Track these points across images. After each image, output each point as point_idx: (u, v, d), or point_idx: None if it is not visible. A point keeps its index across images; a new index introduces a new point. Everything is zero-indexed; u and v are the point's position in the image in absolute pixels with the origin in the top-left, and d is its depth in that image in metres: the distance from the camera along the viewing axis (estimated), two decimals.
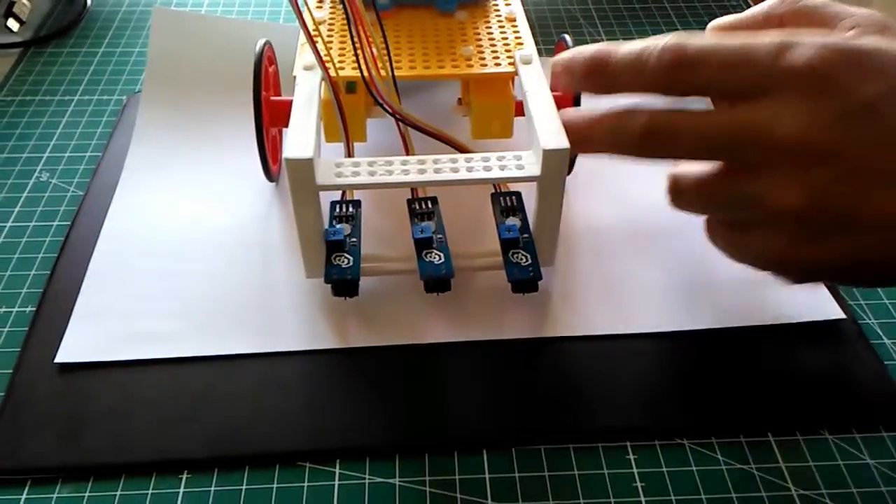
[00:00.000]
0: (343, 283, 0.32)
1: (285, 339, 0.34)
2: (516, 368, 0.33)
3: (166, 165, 0.43)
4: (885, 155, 0.27)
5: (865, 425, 0.31)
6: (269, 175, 0.40)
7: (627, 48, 0.30)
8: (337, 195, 0.35)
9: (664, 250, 0.38)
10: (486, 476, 0.30)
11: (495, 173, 0.31)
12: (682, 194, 0.31)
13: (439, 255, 0.32)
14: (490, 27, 0.40)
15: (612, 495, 0.29)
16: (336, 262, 0.32)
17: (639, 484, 0.29)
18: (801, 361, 0.33)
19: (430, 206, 0.34)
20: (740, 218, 0.31)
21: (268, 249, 0.38)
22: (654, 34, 0.30)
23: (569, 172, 0.39)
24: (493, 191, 0.35)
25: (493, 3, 0.42)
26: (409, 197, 0.35)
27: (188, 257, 0.38)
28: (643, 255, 0.38)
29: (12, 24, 0.55)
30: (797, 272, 0.30)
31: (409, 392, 0.32)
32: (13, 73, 0.52)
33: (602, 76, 0.31)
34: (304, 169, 0.30)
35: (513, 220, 0.33)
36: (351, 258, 0.32)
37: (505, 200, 0.34)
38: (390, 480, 0.30)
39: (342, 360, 0.33)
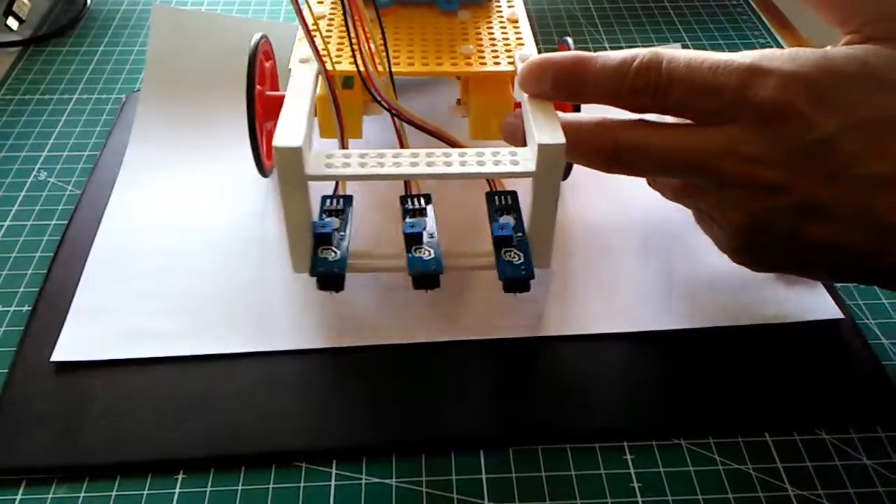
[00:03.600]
0: (328, 277, 0.31)
1: (283, 338, 0.34)
2: (513, 368, 0.33)
3: (164, 164, 0.43)
4: (829, 191, 0.28)
5: (862, 425, 0.31)
6: (262, 170, 0.40)
7: (602, 63, 0.30)
8: (329, 189, 0.35)
9: (660, 249, 0.38)
10: (483, 476, 0.30)
11: (489, 168, 0.30)
12: (658, 188, 0.34)
13: (429, 251, 0.31)
14: (491, 27, 0.40)
15: (609, 495, 0.29)
16: (323, 255, 0.31)
17: (636, 484, 0.29)
18: (798, 361, 0.33)
19: (422, 203, 0.34)
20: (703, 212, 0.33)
21: (266, 248, 0.38)
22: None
23: (565, 177, 0.39)
24: (489, 189, 0.35)
25: (496, 3, 0.42)
26: (403, 194, 0.35)
27: (186, 256, 0.38)
28: (639, 254, 0.38)
29: (12, 22, 0.55)
30: (752, 266, 0.32)
31: (406, 392, 0.32)
32: (12, 72, 0.52)
33: (574, 87, 0.31)
34: (292, 158, 0.29)
35: (506, 219, 0.33)
36: (338, 252, 0.31)
37: (500, 199, 0.34)
38: (387, 481, 0.29)
39: (340, 359, 0.33)
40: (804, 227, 0.29)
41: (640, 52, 0.29)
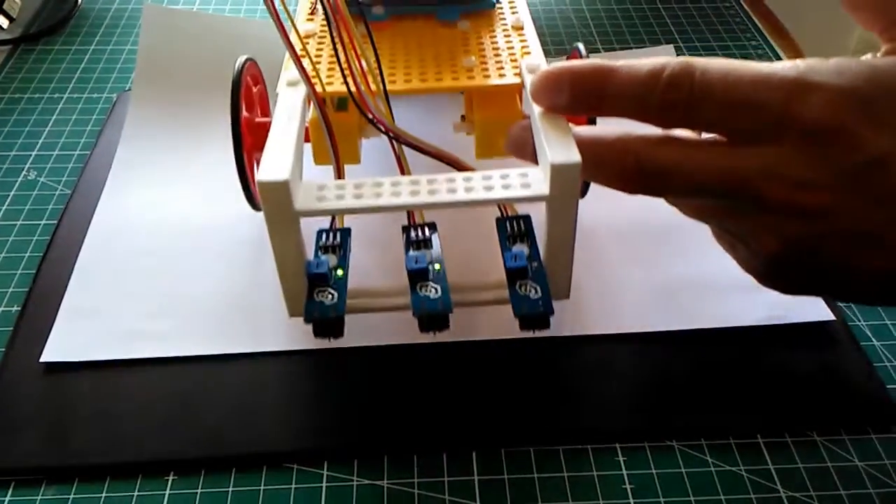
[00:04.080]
0: (325, 323, 0.28)
1: (273, 339, 0.34)
2: (505, 369, 0.33)
3: (155, 164, 0.43)
4: (877, 215, 0.26)
5: (854, 427, 0.31)
6: (253, 203, 0.37)
7: (627, 73, 0.27)
8: (325, 223, 0.32)
9: (654, 251, 0.38)
10: (475, 478, 0.30)
11: (497, 193, 0.27)
12: (676, 204, 0.31)
13: (435, 289, 0.28)
14: (495, 36, 0.37)
15: (601, 497, 0.29)
16: (318, 298, 0.28)
17: (628, 486, 0.29)
18: (790, 363, 0.33)
19: (427, 233, 0.31)
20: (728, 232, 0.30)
21: (256, 248, 0.38)
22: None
23: (583, 195, 0.37)
24: (499, 215, 0.32)
25: (499, 11, 0.39)
26: (405, 223, 0.32)
27: (176, 257, 0.37)
28: (633, 256, 0.38)
29: (2, 20, 0.55)
30: (782, 290, 0.30)
31: (398, 393, 0.32)
32: (2, 71, 0.52)
33: (595, 99, 0.28)
34: (279, 193, 0.26)
35: (520, 247, 0.30)
36: (335, 294, 0.28)
37: (512, 226, 0.31)
38: (378, 482, 0.29)
39: (331, 360, 0.33)
40: (850, 255, 0.27)
41: (670, 62, 0.27)
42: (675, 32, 0.57)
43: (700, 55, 0.54)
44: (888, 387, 0.32)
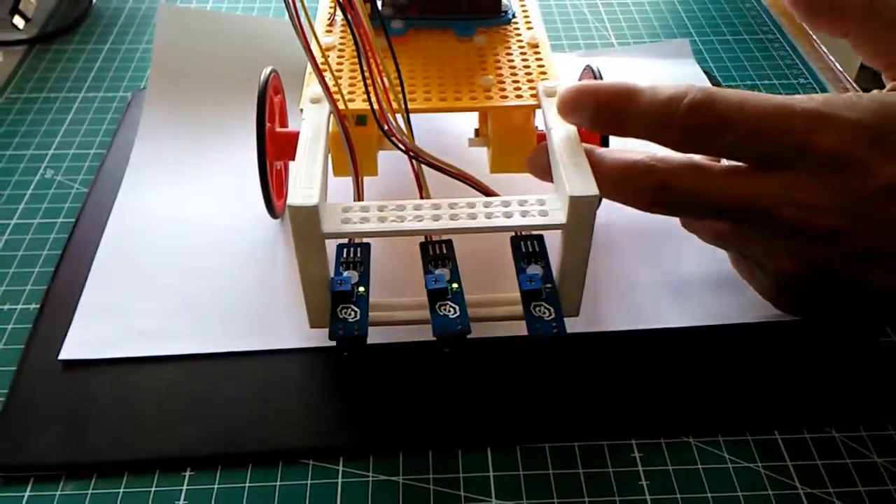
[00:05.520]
0: (349, 340, 0.29)
1: (289, 336, 0.34)
2: (520, 365, 0.33)
3: (171, 163, 0.43)
4: (885, 238, 0.28)
5: (873, 423, 0.31)
6: (273, 212, 0.38)
7: (651, 97, 0.28)
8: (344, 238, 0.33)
9: (666, 246, 0.38)
10: (491, 474, 0.30)
11: (516, 220, 0.29)
12: (695, 231, 0.33)
13: (454, 308, 0.29)
14: (511, 54, 0.37)
15: (617, 493, 0.29)
16: (342, 315, 0.29)
17: (644, 482, 0.29)
18: (808, 358, 0.33)
19: (444, 250, 0.32)
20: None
21: (271, 247, 0.38)
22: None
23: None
24: (513, 234, 0.32)
25: (515, 27, 0.39)
26: (423, 240, 0.32)
27: (192, 255, 0.38)
28: (646, 252, 0.38)
29: (18, 21, 0.55)
30: (795, 312, 0.33)
31: (413, 389, 0.32)
32: (18, 70, 0.52)
33: (617, 120, 0.29)
34: (308, 217, 0.28)
35: (534, 269, 0.31)
36: (358, 310, 0.29)
37: (526, 245, 0.32)
38: (394, 478, 0.29)
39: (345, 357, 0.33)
40: (860, 274, 0.29)
41: (692, 89, 0.28)
42: (689, 25, 0.57)
43: (715, 48, 0.54)
44: None
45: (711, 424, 0.31)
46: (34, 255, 0.38)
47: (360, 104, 0.34)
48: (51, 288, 0.36)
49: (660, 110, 0.28)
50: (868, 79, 0.37)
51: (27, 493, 0.29)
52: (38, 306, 0.35)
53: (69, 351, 0.33)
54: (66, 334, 0.34)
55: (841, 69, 0.52)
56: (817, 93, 0.36)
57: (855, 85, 0.51)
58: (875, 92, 0.30)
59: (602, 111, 0.30)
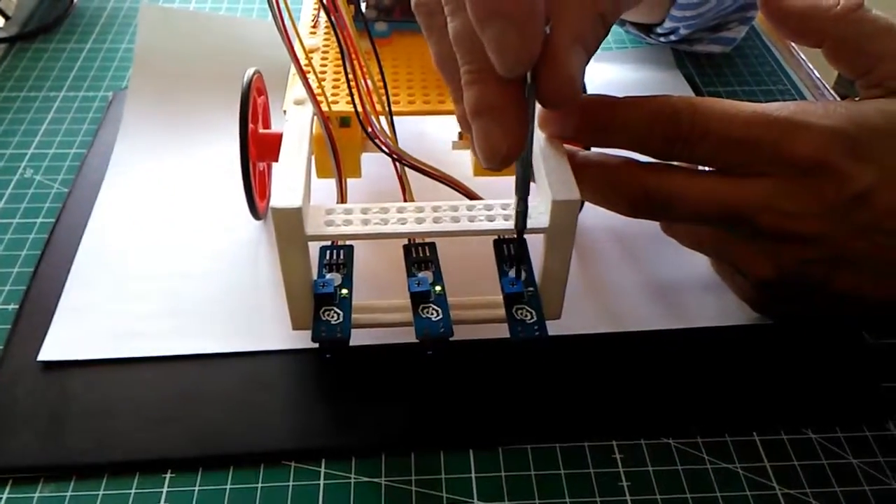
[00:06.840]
0: (331, 343, 0.29)
1: (270, 337, 0.34)
2: (501, 367, 0.33)
3: (152, 163, 0.43)
4: (861, 243, 0.29)
5: (849, 425, 0.31)
6: (256, 213, 0.37)
7: (631, 108, 0.29)
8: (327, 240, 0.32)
9: (648, 250, 0.38)
10: (473, 475, 0.30)
11: (499, 224, 0.29)
12: (675, 235, 0.34)
13: (437, 311, 0.30)
14: None
15: (598, 494, 0.29)
16: (325, 317, 0.29)
17: (624, 483, 0.29)
18: (785, 360, 0.33)
19: (427, 252, 0.32)
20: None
21: (254, 247, 0.38)
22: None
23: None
24: (496, 237, 0.32)
25: None
26: (406, 243, 0.32)
27: (173, 255, 0.37)
28: (627, 255, 0.38)
29: None
30: (772, 313, 0.34)
31: (395, 391, 0.32)
32: None
33: (600, 132, 0.30)
34: (291, 219, 0.28)
35: (516, 272, 0.31)
36: (341, 313, 0.30)
37: (508, 248, 0.31)
38: (376, 480, 0.29)
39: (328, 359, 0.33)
40: (833, 278, 0.30)
41: (671, 99, 0.29)
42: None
43: (696, 55, 0.54)
44: (882, 384, 0.33)
45: (690, 426, 0.31)
46: (13, 255, 0.38)
47: (343, 106, 0.34)
48: (30, 288, 0.36)
49: (640, 120, 0.29)
50: (846, 86, 0.37)
51: (5, 495, 0.29)
52: (17, 307, 0.35)
53: (48, 352, 0.33)
54: (45, 335, 0.33)
55: (819, 76, 0.53)
56: (796, 100, 0.36)
57: (833, 92, 0.52)
58: (849, 100, 0.31)
59: (586, 123, 0.30)
